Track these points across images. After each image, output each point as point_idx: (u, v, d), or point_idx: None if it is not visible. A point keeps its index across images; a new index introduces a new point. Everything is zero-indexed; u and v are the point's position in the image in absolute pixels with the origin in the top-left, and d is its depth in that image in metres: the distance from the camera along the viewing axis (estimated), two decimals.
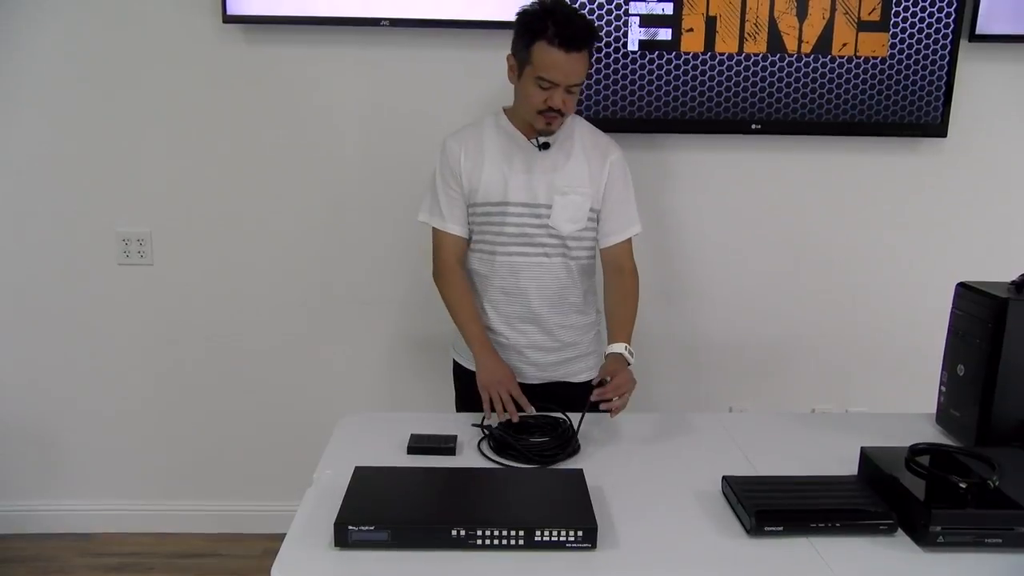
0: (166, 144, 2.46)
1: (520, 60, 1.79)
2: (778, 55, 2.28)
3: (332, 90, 2.44)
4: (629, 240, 1.95)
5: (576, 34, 1.72)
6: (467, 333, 1.89)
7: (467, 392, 1.98)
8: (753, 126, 2.32)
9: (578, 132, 1.91)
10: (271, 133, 2.46)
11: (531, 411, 1.72)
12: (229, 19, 2.29)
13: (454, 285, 1.92)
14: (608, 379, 1.70)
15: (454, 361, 2.06)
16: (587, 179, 1.87)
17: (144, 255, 2.52)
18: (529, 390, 1.90)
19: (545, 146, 1.85)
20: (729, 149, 2.46)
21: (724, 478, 1.42)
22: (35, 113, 2.42)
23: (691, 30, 2.26)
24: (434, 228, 1.93)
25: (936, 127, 2.36)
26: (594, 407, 1.70)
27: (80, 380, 2.61)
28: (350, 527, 1.23)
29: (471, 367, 1.92)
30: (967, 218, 2.57)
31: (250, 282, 2.57)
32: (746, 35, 2.26)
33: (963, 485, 1.31)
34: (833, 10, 2.27)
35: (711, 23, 2.26)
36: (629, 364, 1.81)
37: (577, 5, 2.25)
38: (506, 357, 1.91)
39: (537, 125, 1.81)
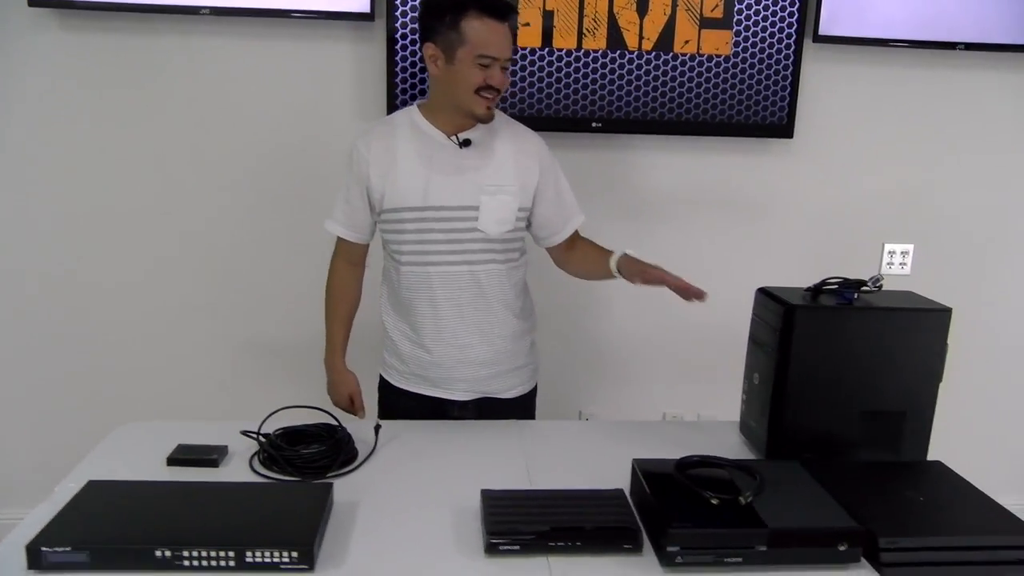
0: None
1: (448, 42, 1.66)
2: (618, 51, 2.22)
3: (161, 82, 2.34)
4: (575, 233, 1.88)
5: (501, 3, 1.66)
6: (329, 344, 1.93)
7: (387, 406, 1.93)
8: (594, 124, 2.26)
9: (500, 128, 1.78)
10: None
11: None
12: (35, 2, 2.17)
13: (334, 289, 1.92)
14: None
15: (381, 376, 1.96)
16: (513, 176, 1.75)
17: None
18: (460, 406, 1.86)
19: (466, 143, 1.73)
20: (570, 147, 2.37)
21: (482, 492, 1.35)
22: None
23: (527, 24, 2.19)
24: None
25: (782, 128, 2.32)
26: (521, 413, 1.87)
27: None
28: (43, 548, 1.14)
29: (397, 384, 1.89)
30: (814, 219, 2.56)
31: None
32: (585, 31, 2.19)
33: (715, 501, 1.25)
34: (675, 6, 2.22)
35: (548, 17, 2.19)
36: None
37: None
38: (436, 375, 1.83)
39: (478, 110, 1.69)
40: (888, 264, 2.60)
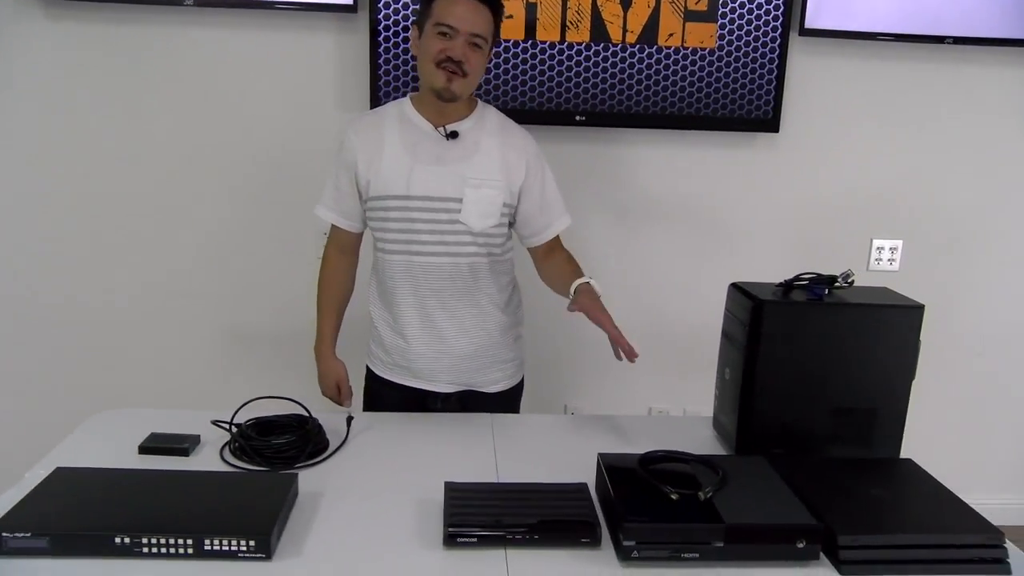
0: None
1: (421, 22, 1.70)
2: (602, 44, 2.22)
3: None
4: (556, 236, 1.87)
5: None
6: (319, 333, 1.93)
7: (371, 396, 1.94)
8: (577, 117, 2.25)
9: (489, 122, 1.79)
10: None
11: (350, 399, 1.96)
12: None
13: (325, 277, 1.94)
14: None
15: (367, 367, 1.97)
16: (499, 171, 1.74)
17: None
18: (443, 399, 1.86)
19: (453, 135, 1.73)
20: (553, 141, 2.32)
21: (446, 484, 1.35)
22: None
23: (510, 16, 2.18)
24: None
25: (768, 122, 2.31)
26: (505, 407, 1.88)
27: None
28: (4, 534, 1.15)
29: (381, 374, 1.90)
30: (801, 215, 2.55)
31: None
32: (568, 23, 2.18)
33: (675, 496, 1.26)
34: None
35: (531, 10, 2.19)
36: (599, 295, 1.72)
37: None
38: (418, 367, 1.83)
39: (437, 82, 1.67)
40: (876, 260, 2.59)
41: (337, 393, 1.94)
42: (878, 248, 2.59)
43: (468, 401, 1.87)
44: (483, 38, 1.67)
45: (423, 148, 1.73)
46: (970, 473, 2.78)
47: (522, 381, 1.97)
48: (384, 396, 1.89)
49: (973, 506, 1.31)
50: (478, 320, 1.82)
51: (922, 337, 1.50)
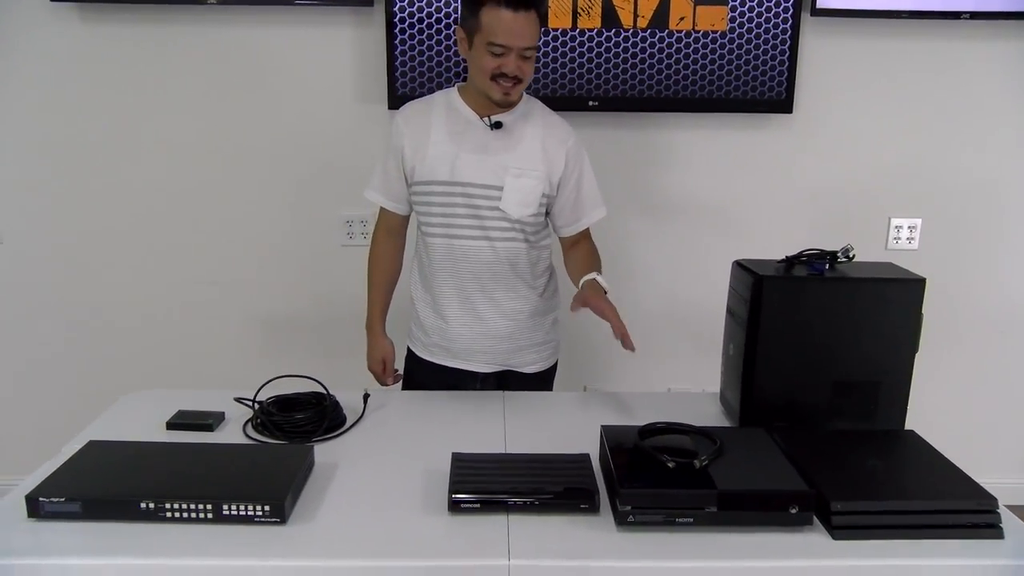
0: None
1: (469, 29, 1.73)
2: (613, 30, 2.25)
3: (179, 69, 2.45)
4: (586, 228, 1.93)
5: None
6: (368, 310, 2.00)
7: (411, 376, 2.02)
8: (590, 103, 2.29)
9: (533, 114, 1.85)
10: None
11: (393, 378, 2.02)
12: None
13: (373, 257, 2.00)
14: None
15: (408, 348, 2.05)
16: (540, 162, 1.81)
17: None
18: (482, 379, 1.94)
19: (498, 125, 1.79)
20: None
21: (453, 455, 1.41)
22: None
23: None
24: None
25: (781, 103, 2.32)
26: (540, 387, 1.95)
27: None
28: (41, 499, 1.24)
29: (421, 355, 1.97)
30: (817, 195, 2.55)
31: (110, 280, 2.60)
32: (579, 10, 2.22)
33: (671, 464, 1.30)
34: None
35: None
36: (605, 292, 1.77)
37: None
38: (457, 347, 1.91)
39: (494, 95, 1.74)
40: (895, 239, 2.57)
41: (382, 370, 2.01)
42: (896, 227, 2.57)
43: (505, 381, 1.94)
44: (533, 48, 1.73)
45: (468, 137, 1.80)
46: (989, 450, 2.75)
47: (556, 363, 2.03)
48: (423, 376, 1.97)
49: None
50: (515, 303, 1.89)
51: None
